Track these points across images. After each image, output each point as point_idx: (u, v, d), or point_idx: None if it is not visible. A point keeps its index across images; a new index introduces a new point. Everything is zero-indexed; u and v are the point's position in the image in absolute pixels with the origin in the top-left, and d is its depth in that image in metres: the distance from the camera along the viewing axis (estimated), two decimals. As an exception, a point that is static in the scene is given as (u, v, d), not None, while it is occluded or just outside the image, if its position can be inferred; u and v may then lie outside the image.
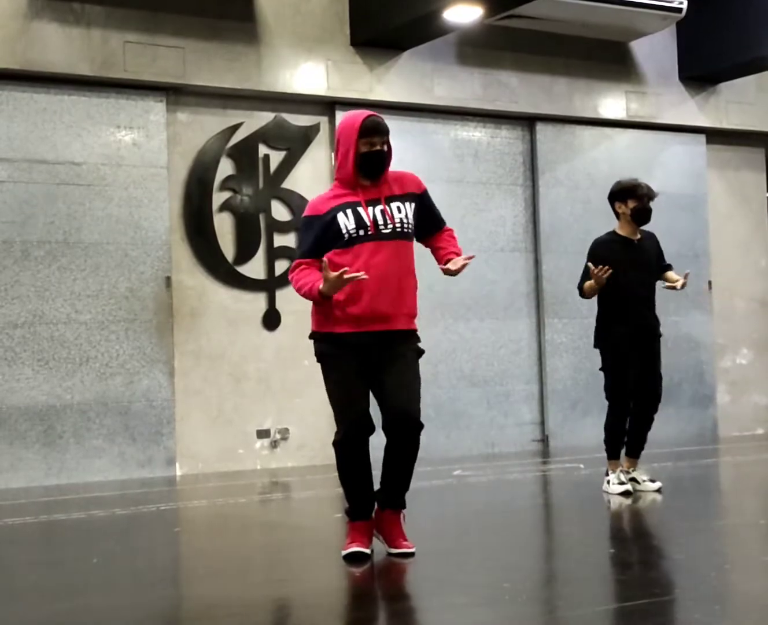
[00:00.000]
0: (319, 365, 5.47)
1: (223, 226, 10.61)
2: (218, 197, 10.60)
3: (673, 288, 7.58)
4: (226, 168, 10.63)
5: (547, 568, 5.36)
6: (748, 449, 11.16)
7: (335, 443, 5.35)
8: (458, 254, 5.56)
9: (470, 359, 11.63)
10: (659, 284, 7.71)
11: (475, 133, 11.86)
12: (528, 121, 12.11)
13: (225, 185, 10.63)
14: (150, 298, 10.14)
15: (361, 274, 5.15)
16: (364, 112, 5.45)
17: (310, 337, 5.49)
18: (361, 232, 5.28)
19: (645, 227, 7.75)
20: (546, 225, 12.04)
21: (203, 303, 10.51)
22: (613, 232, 7.64)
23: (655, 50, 12.66)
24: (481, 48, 11.62)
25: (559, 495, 8.29)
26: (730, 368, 13.35)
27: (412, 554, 5.28)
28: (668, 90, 12.75)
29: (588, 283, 7.34)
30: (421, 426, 5.31)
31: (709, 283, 13.04)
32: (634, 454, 7.60)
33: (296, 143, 10.94)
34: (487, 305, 11.73)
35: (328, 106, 11.06)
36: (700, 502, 7.51)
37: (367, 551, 5.31)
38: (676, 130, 12.89)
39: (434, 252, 5.67)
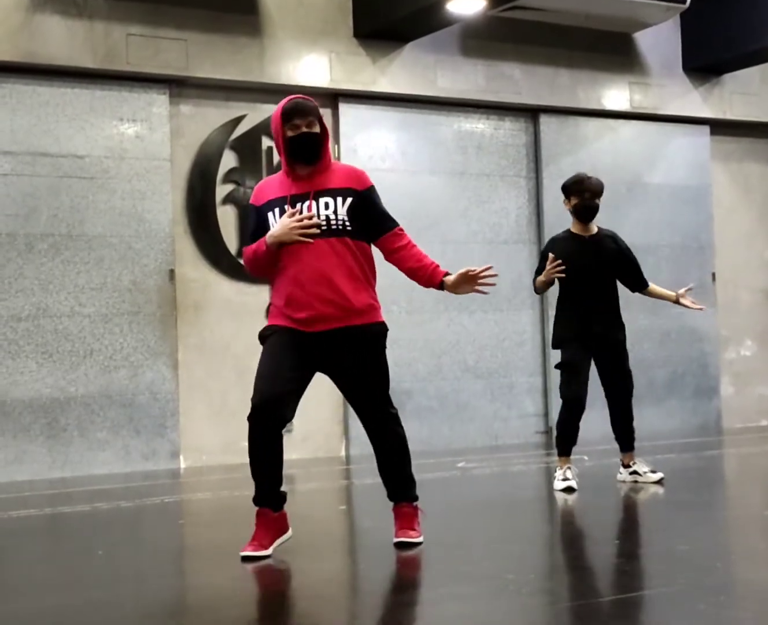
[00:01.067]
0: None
1: (227, 219, 10.61)
2: (221, 190, 10.60)
3: (679, 303, 7.57)
4: (229, 160, 10.63)
5: (551, 559, 5.36)
6: (752, 441, 11.16)
7: (248, 424, 5.12)
8: (437, 266, 5.30)
9: (474, 351, 11.62)
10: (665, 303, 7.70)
11: (478, 125, 11.84)
12: (531, 113, 12.09)
13: (228, 178, 10.62)
14: (153, 291, 10.14)
15: (311, 215, 5.04)
16: (288, 97, 5.22)
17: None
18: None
19: (606, 228, 7.63)
20: (549, 217, 12.02)
21: (207, 296, 10.51)
22: (567, 230, 7.53)
23: (659, 41, 12.63)
24: (485, 39, 11.61)
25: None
26: (734, 360, 13.34)
27: (413, 544, 5.24)
28: (672, 81, 12.73)
29: (539, 279, 7.27)
30: (395, 417, 5.30)
31: (713, 275, 13.02)
32: (628, 448, 7.55)
33: (299, 135, 10.90)
34: (491, 297, 11.61)
35: (331, 98, 11.05)
36: (704, 493, 7.50)
37: (263, 553, 5.10)
38: (679, 122, 12.87)
39: (404, 267, 5.37)
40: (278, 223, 5.10)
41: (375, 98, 11.25)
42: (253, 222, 5.30)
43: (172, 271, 10.24)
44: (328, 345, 5.16)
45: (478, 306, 11.63)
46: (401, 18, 10.66)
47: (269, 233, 5.13)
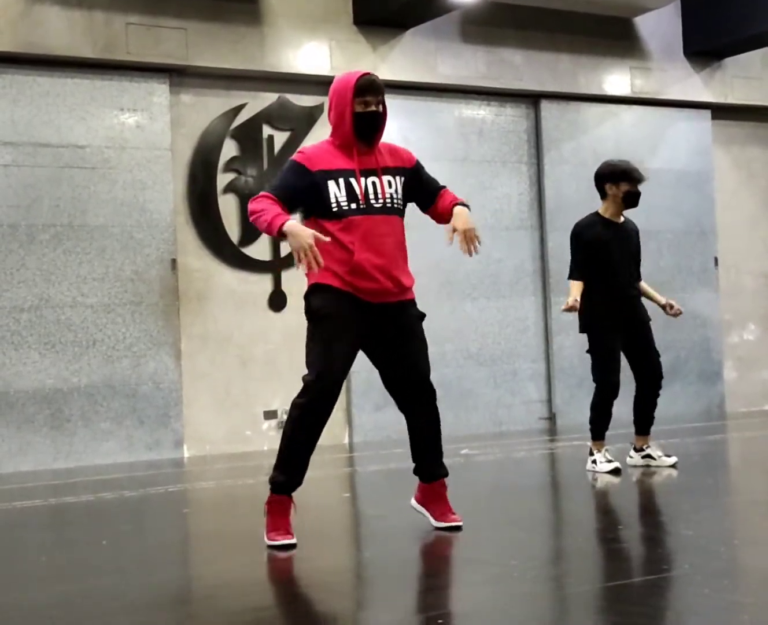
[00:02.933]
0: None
1: (228, 208, 10.60)
2: (222, 179, 10.59)
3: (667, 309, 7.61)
4: (230, 149, 10.62)
5: (555, 545, 5.36)
6: (755, 425, 11.16)
7: (298, 405, 5.06)
8: (455, 204, 5.37)
9: (477, 338, 11.62)
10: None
11: (479, 112, 11.83)
12: (532, 99, 12.07)
13: (229, 166, 10.61)
14: (156, 281, 10.14)
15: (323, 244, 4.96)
16: (360, 71, 5.23)
17: (307, 294, 5.27)
18: (353, 206, 5.11)
19: (638, 217, 7.67)
20: (551, 203, 12.01)
21: (209, 285, 10.50)
22: (596, 214, 7.52)
23: (660, 26, 12.60)
24: (485, 25, 11.58)
25: (567, 473, 8.29)
26: (738, 344, 13.34)
27: (460, 527, 5.27)
28: (673, 66, 12.70)
29: (573, 298, 7.28)
30: (433, 389, 5.41)
31: (716, 259, 13.01)
32: (645, 431, 7.59)
33: (300, 123, 10.91)
34: (493, 284, 11.72)
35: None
36: (708, 478, 7.50)
37: (294, 540, 5.08)
38: (681, 106, 12.85)
39: (436, 214, 5.50)
40: (300, 231, 4.89)
41: (376, 86, 11.21)
42: (295, 182, 5.13)
43: (174, 261, 10.24)
44: (386, 317, 5.19)
45: (481, 293, 11.63)
46: (401, 5, 10.64)
47: (290, 225, 4.91)
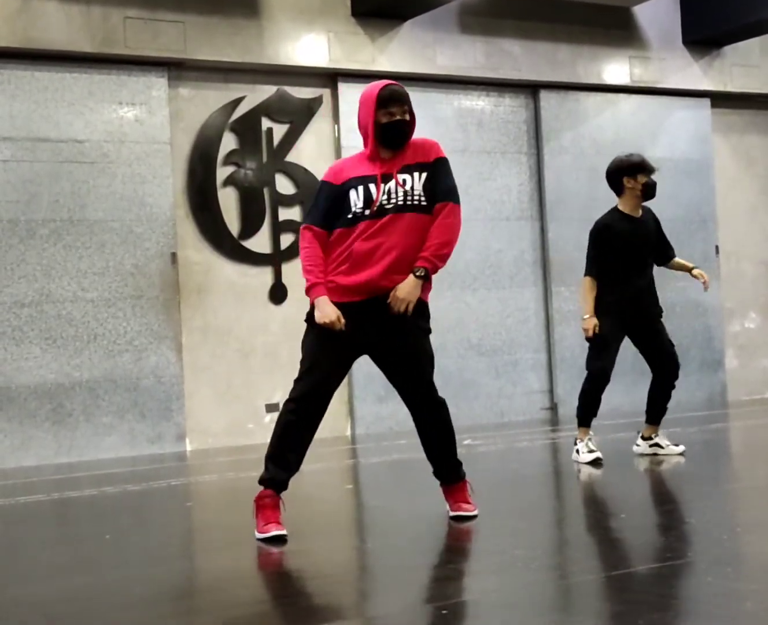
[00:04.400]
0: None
1: (228, 201, 10.59)
2: (222, 172, 10.58)
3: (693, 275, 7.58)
4: (229, 142, 10.61)
5: (558, 534, 5.37)
6: (757, 413, 11.16)
7: (285, 403, 5.16)
8: (428, 246, 5.21)
9: (478, 328, 11.62)
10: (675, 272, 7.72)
11: (478, 102, 11.81)
12: (531, 89, 12.06)
13: (228, 160, 10.60)
14: (156, 275, 10.14)
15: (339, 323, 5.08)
16: (382, 82, 5.31)
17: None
18: (367, 212, 5.16)
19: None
20: (551, 193, 12.00)
21: (209, 278, 10.50)
22: (616, 210, 7.49)
23: (658, 14, 12.58)
24: (483, 16, 11.56)
25: (569, 462, 8.28)
26: (739, 333, 13.33)
27: (471, 517, 5.31)
28: (672, 54, 12.68)
29: (587, 317, 7.26)
30: (442, 403, 5.46)
31: (716, 248, 13.00)
32: (655, 421, 7.59)
33: (299, 116, 10.90)
34: (494, 275, 11.71)
35: (330, 78, 11.02)
36: (710, 466, 7.51)
37: (285, 532, 5.11)
38: (680, 95, 12.83)
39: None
40: (325, 309, 5.10)
41: (374, 77, 11.09)
42: (324, 200, 5.25)
43: (174, 255, 10.24)
44: (380, 315, 5.17)
45: (481, 284, 11.62)
46: (399, -4, 10.62)
47: (318, 301, 5.14)
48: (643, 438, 7.63)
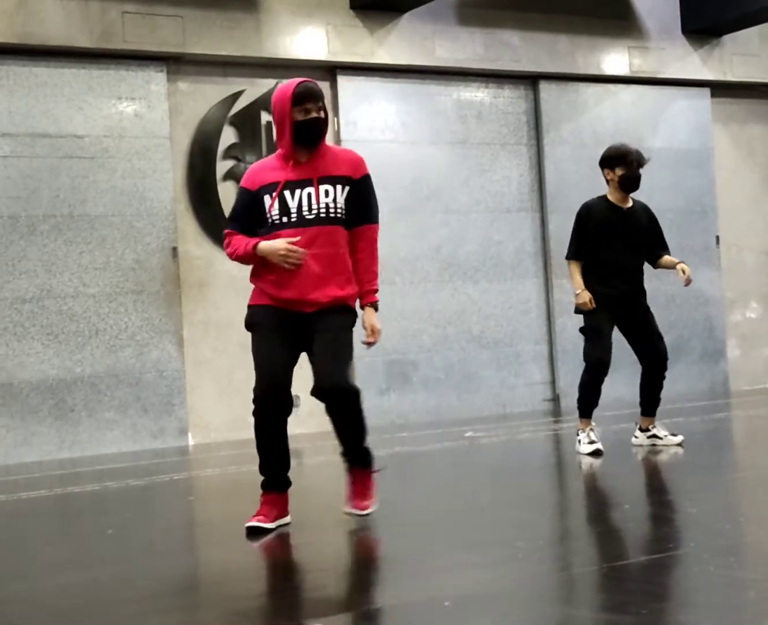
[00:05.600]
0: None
1: (228, 195, 10.57)
2: (222, 166, 10.57)
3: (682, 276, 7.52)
4: (228, 136, 10.60)
5: (560, 525, 5.37)
6: (759, 403, 11.16)
7: (253, 412, 5.18)
8: (369, 279, 5.23)
9: (479, 320, 11.62)
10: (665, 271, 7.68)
11: (477, 94, 11.80)
12: (531, 80, 12.04)
13: (228, 154, 10.60)
14: (157, 269, 10.14)
15: (300, 252, 5.02)
16: (297, 80, 5.20)
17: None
18: (284, 219, 5.10)
19: (639, 198, 7.62)
20: (552, 184, 11.99)
21: (210, 273, 10.50)
22: (604, 197, 7.48)
23: (657, 4, 12.57)
24: (482, 7, 11.55)
25: (571, 453, 8.27)
26: (740, 323, 13.33)
27: (364, 517, 5.19)
28: (671, 44, 12.66)
29: (580, 292, 7.26)
30: (349, 392, 5.11)
31: (717, 238, 12.99)
32: (650, 412, 7.58)
33: (299, 109, 10.87)
34: (495, 266, 11.71)
35: (329, 71, 11.00)
36: (712, 456, 7.51)
37: (269, 525, 5.14)
38: (680, 85, 12.82)
39: (352, 258, 5.25)
40: (273, 244, 5.07)
41: (373, 70, 11.20)
42: (240, 206, 5.27)
43: (174, 249, 10.23)
44: (307, 324, 5.13)
45: (482, 276, 11.62)
46: (398, -12, 10.61)
47: (261, 244, 5.10)
48: (641, 430, 7.63)
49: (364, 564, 4.72)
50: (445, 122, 11.55)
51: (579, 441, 7.44)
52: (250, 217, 5.23)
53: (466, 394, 11.45)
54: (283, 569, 4.74)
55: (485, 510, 5.54)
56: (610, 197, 7.47)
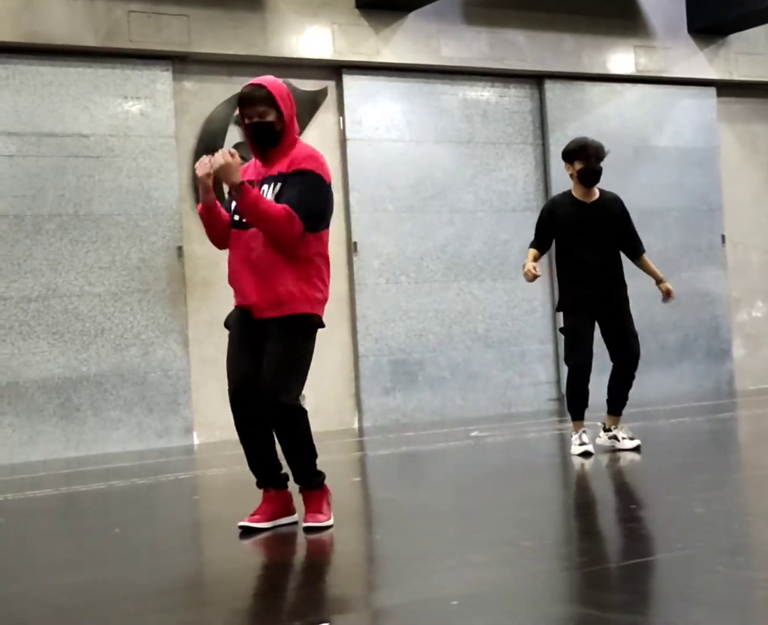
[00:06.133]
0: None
1: (233, 194, 10.57)
2: (227, 165, 10.54)
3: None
4: (234, 136, 10.59)
5: (567, 525, 5.36)
6: (765, 402, 11.14)
7: (232, 413, 5.17)
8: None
9: (484, 319, 11.61)
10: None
11: (483, 93, 11.79)
12: (536, 80, 12.03)
13: (234, 153, 10.57)
14: (162, 269, 10.14)
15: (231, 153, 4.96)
16: (250, 81, 5.15)
17: None
18: (236, 217, 5.10)
19: (611, 190, 7.56)
20: (557, 183, 11.94)
21: (215, 272, 10.47)
22: (568, 193, 7.44)
23: (663, 3, 12.55)
24: (487, 7, 11.54)
25: (577, 453, 8.28)
26: (746, 322, 13.31)
27: (321, 528, 5.09)
28: (677, 43, 12.65)
29: (526, 269, 7.22)
30: (286, 408, 5.03)
31: (723, 237, 12.97)
32: (616, 411, 7.52)
33: (304, 108, 10.87)
34: (500, 266, 11.70)
35: (334, 70, 11.00)
36: (719, 456, 7.50)
37: (262, 525, 5.14)
38: (685, 84, 12.80)
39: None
40: (203, 181, 5.13)
41: (378, 69, 11.20)
42: (228, 202, 5.26)
43: (180, 249, 10.23)
44: (263, 331, 5.08)
45: (488, 275, 11.61)
46: (403, -13, 10.60)
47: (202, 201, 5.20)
48: (604, 429, 7.58)
49: (369, 563, 4.72)
50: (451, 121, 11.54)
51: (571, 443, 7.42)
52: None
53: (471, 393, 11.44)
54: (287, 569, 4.73)
55: (491, 509, 5.53)
56: (574, 192, 7.42)
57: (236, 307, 5.22)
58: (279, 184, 5.02)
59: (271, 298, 5.01)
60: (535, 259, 7.29)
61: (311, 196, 5.00)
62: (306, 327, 5.08)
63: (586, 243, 7.28)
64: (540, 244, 7.41)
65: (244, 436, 5.22)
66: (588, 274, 7.27)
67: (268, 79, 5.11)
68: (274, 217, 4.90)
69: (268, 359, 5.03)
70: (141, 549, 5.19)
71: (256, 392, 5.07)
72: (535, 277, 7.16)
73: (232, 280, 5.17)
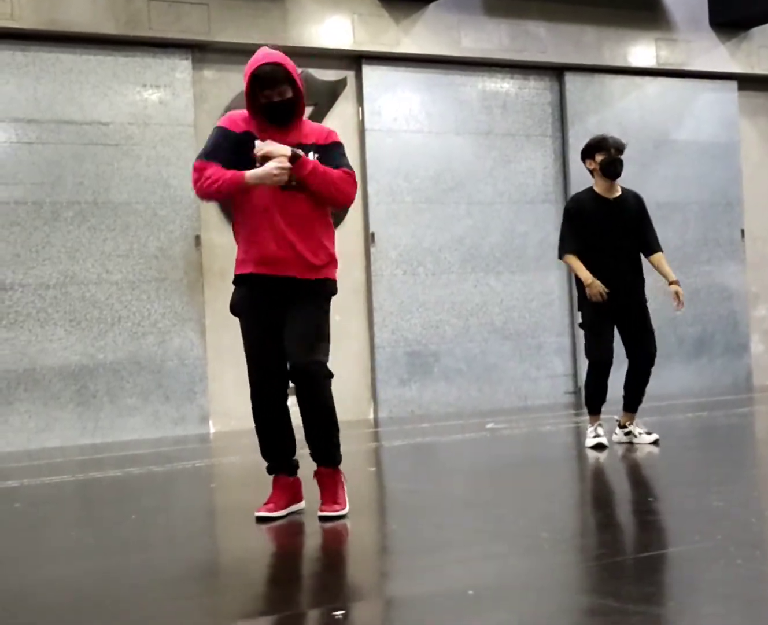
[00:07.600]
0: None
1: (252, 184, 10.56)
2: (246, 154, 10.54)
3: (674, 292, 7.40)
4: (253, 125, 10.57)
5: (585, 517, 5.34)
6: (783, 398, 11.09)
7: (251, 397, 5.15)
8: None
9: (501, 312, 11.58)
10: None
11: (503, 85, 11.75)
12: (556, 72, 11.99)
13: (252, 142, 10.57)
14: (180, 257, 10.14)
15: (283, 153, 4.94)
16: (261, 58, 5.07)
17: (233, 283, 5.33)
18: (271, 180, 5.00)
19: (631, 183, 7.53)
20: (576, 176, 11.90)
21: (232, 261, 10.41)
22: (591, 189, 7.41)
23: (685, -4, 12.48)
24: (508, -2, 11.50)
25: (594, 446, 8.25)
26: (764, 317, 13.24)
27: (339, 517, 5.10)
28: (699, 36, 12.57)
29: (591, 282, 7.18)
30: (319, 371, 5.04)
31: (742, 231, 12.90)
32: (631, 408, 7.51)
33: (323, 98, 10.87)
34: (518, 258, 11.66)
35: (354, 60, 10.98)
36: (736, 450, 7.46)
37: (277, 514, 5.15)
38: (707, 78, 12.72)
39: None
40: (264, 168, 4.95)
41: (399, 59, 11.17)
42: (224, 145, 5.07)
43: (197, 237, 10.24)
44: (280, 291, 5.09)
45: (506, 267, 11.58)
46: (424, -23, 10.57)
47: (251, 172, 4.96)
48: (620, 426, 7.56)
49: (385, 553, 4.70)
50: (470, 113, 11.51)
51: (587, 435, 7.44)
52: (229, 157, 5.04)
53: (487, 385, 11.42)
54: (303, 557, 4.73)
55: (507, 501, 5.51)
56: (596, 188, 7.38)
57: (244, 280, 5.15)
58: (317, 154, 5.10)
59: (309, 260, 5.05)
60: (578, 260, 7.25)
61: (349, 164, 5.25)
62: (332, 293, 5.20)
63: (610, 239, 7.26)
64: (576, 245, 7.32)
65: (265, 420, 5.18)
66: (612, 271, 7.25)
67: (279, 56, 5.10)
68: (337, 179, 5.08)
69: (299, 322, 5.04)
70: (158, 536, 5.19)
71: (281, 376, 5.08)
72: (602, 295, 7.13)
73: (254, 242, 5.09)
